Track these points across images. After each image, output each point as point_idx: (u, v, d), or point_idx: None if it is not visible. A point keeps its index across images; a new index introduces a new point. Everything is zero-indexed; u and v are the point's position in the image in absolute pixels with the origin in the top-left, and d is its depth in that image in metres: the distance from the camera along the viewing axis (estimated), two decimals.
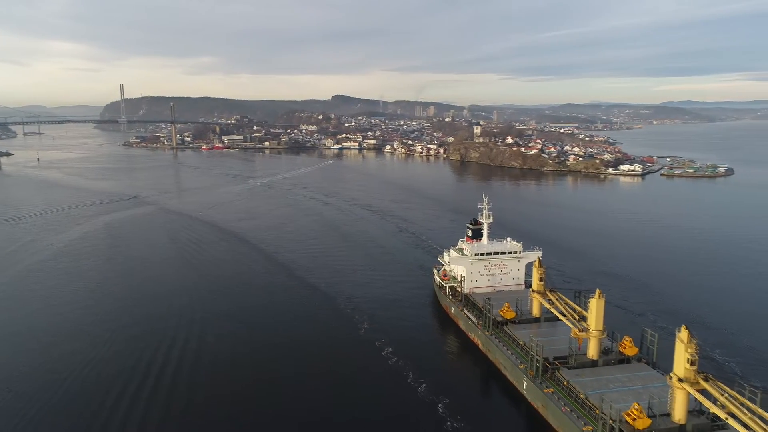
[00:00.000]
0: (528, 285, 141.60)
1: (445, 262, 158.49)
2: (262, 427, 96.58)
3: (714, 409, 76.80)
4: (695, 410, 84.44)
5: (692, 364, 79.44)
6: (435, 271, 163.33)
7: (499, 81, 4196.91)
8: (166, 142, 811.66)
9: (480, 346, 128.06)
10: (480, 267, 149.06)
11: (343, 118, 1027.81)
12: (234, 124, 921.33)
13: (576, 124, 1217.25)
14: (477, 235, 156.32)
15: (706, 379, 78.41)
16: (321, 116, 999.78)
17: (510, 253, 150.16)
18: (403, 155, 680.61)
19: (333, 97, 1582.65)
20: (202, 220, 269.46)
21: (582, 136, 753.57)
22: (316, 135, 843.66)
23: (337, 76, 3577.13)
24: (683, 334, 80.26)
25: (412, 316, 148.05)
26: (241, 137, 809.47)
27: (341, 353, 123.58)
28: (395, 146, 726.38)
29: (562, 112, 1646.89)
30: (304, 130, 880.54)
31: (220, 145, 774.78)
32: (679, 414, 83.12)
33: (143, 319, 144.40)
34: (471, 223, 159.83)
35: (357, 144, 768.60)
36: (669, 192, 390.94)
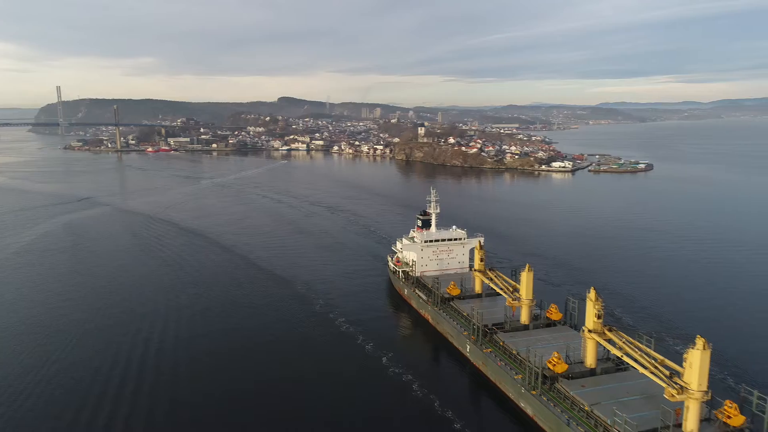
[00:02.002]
0: (471, 267, 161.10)
1: (398, 249, 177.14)
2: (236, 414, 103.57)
3: (616, 352, 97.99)
4: (603, 357, 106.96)
5: (599, 318, 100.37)
6: (389, 258, 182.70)
7: (443, 83, 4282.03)
8: (110, 145, 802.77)
9: (430, 320, 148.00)
10: (429, 252, 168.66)
11: (291, 119, 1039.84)
12: (180, 127, 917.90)
13: (517, 125, 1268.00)
14: (426, 224, 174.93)
15: (610, 330, 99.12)
16: (268, 118, 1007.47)
17: (455, 239, 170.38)
18: (351, 156, 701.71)
19: (279, 98, 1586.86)
20: (161, 219, 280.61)
21: (520, 136, 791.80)
22: (263, 137, 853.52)
23: (283, 78, 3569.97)
24: (592, 294, 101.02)
25: (369, 299, 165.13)
26: (188, 139, 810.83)
27: (307, 335, 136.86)
28: (343, 147, 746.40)
29: (504, 113, 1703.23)
30: (251, 132, 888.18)
31: (167, 148, 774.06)
32: (590, 359, 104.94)
33: (109, 313, 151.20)
34: (421, 214, 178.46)
35: (305, 145, 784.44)
36: (594, 186, 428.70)
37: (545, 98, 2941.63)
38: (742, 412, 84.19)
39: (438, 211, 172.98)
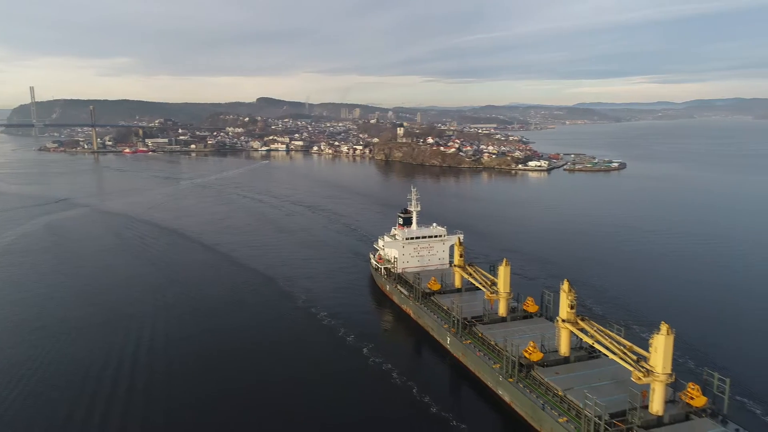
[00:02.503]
0: (451, 263, 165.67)
1: (380, 247, 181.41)
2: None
3: (588, 340, 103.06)
4: (576, 346, 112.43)
5: (572, 308, 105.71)
6: (371, 256, 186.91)
7: (423, 83, 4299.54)
8: (86, 146, 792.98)
9: (412, 314, 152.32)
10: (410, 249, 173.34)
11: (270, 120, 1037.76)
12: (158, 127, 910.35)
13: (495, 125, 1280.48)
14: (407, 222, 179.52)
15: (582, 320, 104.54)
16: (247, 119, 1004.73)
17: (436, 236, 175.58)
18: (330, 156, 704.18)
19: (258, 99, 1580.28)
20: (143, 219, 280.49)
21: (498, 136, 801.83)
22: (242, 137, 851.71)
23: (261, 78, 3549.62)
24: (565, 285, 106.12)
25: (352, 295, 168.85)
26: (166, 140, 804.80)
27: (292, 331, 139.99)
28: (322, 147, 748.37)
29: (482, 114, 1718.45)
30: (230, 133, 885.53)
31: (145, 149, 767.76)
32: (564, 348, 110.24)
33: (95, 312, 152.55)
34: (402, 213, 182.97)
35: (284, 146, 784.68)
36: (569, 184, 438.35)
37: (523, 98, 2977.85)
38: (704, 394, 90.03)
39: (419, 209, 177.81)
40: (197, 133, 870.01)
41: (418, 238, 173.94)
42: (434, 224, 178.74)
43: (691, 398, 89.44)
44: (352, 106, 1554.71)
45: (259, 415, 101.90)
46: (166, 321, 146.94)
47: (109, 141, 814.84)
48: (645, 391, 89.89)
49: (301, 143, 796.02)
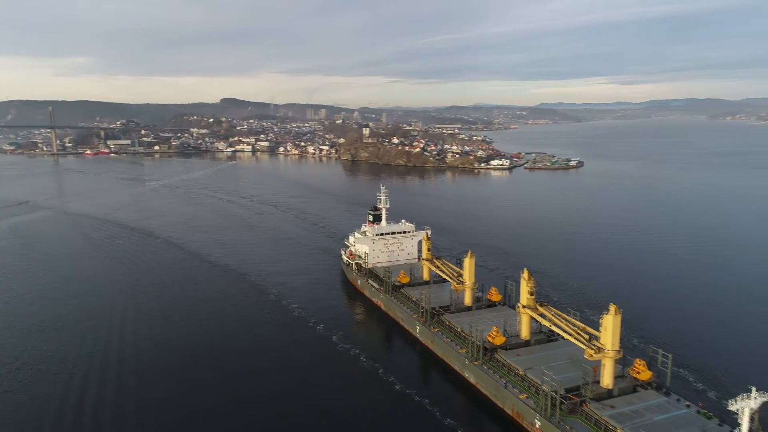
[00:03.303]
0: (419, 257, 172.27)
1: (350, 243, 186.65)
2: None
3: (545, 323, 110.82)
4: (536, 330, 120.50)
5: (531, 294, 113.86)
6: (342, 252, 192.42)
7: (388, 84, 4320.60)
8: (45, 149, 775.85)
9: (382, 306, 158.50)
10: (380, 245, 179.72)
11: (235, 121, 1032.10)
12: (120, 129, 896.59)
13: (459, 125, 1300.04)
14: (377, 219, 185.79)
15: (541, 305, 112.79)
16: (212, 120, 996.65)
17: (404, 232, 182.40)
18: (297, 157, 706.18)
19: (222, 100, 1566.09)
20: (111, 221, 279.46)
21: (462, 136, 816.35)
22: (207, 138, 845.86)
23: (225, 79, 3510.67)
24: (525, 274, 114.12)
25: (324, 291, 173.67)
26: (129, 142, 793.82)
27: (268, 325, 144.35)
28: (288, 148, 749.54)
29: (447, 114, 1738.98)
30: (195, 134, 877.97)
31: (107, 150, 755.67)
32: (524, 332, 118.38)
33: (65, 314, 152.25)
34: (372, 210, 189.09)
35: (250, 147, 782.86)
36: (529, 182, 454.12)
37: (487, 99, 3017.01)
38: (649, 368, 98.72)
39: (388, 206, 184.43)
40: (161, 134, 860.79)
41: (387, 234, 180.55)
42: (403, 221, 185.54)
43: (638, 372, 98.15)
44: (317, 107, 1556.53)
45: (232, 400, 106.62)
46: (137, 319, 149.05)
47: (69, 143, 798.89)
48: (596, 366, 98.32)
49: (266, 144, 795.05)
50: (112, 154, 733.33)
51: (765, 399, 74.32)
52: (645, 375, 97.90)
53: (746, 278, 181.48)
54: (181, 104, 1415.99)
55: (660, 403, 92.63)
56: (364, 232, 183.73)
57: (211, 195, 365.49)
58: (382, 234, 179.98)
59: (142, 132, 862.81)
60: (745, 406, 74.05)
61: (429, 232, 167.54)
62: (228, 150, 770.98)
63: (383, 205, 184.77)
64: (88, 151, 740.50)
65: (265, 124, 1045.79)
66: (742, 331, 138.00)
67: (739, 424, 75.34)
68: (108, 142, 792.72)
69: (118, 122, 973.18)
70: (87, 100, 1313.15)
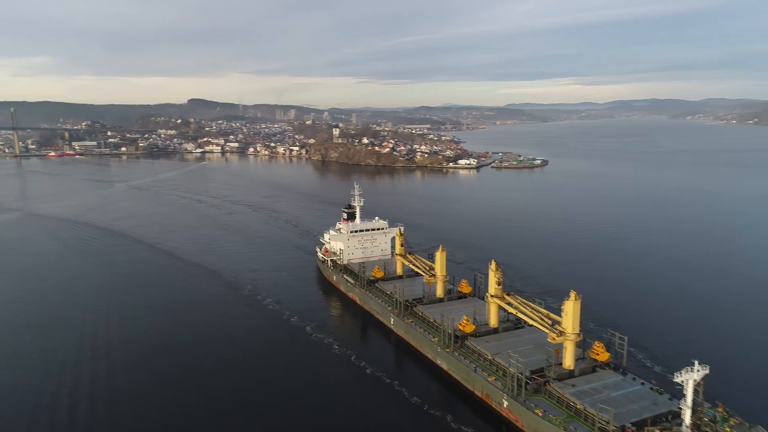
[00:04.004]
0: (393, 253, 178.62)
1: (325, 240, 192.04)
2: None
3: (512, 311, 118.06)
4: (504, 319, 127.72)
5: (499, 284, 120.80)
6: (317, 249, 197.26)
7: (357, 84, 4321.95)
8: (7, 150, 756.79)
9: (358, 300, 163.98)
10: (355, 242, 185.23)
11: (203, 122, 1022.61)
12: (85, 130, 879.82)
13: (428, 126, 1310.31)
14: (351, 216, 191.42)
15: (508, 294, 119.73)
16: (179, 120, 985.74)
17: (378, 229, 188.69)
18: (267, 157, 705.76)
19: (189, 100, 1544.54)
20: (82, 222, 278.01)
21: (431, 136, 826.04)
22: (175, 139, 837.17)
23: (192, 79, 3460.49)
24: (493, 265, 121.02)
25: (300, 287, 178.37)
26: (95, 143, 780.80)
27: (246, 321, 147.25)
28: (258, 149, 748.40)
29: (417, 114, 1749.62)
30: (162, 135, 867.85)
31: (72, 152, 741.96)
32: (493, 320, 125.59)
33: (38, 316, 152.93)
34: (346, 208, 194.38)
35: (219, 148, 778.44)
36: (495, 180, 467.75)
37: (456, 99, 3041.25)
38: (607, 350, 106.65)
39: (362, 204, 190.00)
40: (127, 135, 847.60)
41: (361, 231, 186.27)
42: (377, 218, 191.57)
43: (597, 354, 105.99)
44: (287, 107, 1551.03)
45: (199, 386, 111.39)
46: (114, 318, 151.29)
47: (32, 144, 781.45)
48: (558, 349, 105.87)
49: (236, 145, 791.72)
50: (78, 156, 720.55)
51: (706, 371, 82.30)
52: (603, 356, 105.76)
53: (690, 265, 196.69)
54: (148, 105, 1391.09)
55: (617, 381, 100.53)
56: (339, 229, 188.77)
57: (183, 196, 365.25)
58: (356, 231, 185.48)
59: (108, 133, 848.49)
60: (689, 378, 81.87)
61: (402, 228, 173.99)
62: (197, 151, 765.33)
63: (357, 203, 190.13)
64: (53, 153, 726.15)
65: (234, 124, 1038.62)
66: (688, 312, 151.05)
67: (684, 395, 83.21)
68: (73, 143, 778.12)
69: (83, 123, 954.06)
70: (49, 101, 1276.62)
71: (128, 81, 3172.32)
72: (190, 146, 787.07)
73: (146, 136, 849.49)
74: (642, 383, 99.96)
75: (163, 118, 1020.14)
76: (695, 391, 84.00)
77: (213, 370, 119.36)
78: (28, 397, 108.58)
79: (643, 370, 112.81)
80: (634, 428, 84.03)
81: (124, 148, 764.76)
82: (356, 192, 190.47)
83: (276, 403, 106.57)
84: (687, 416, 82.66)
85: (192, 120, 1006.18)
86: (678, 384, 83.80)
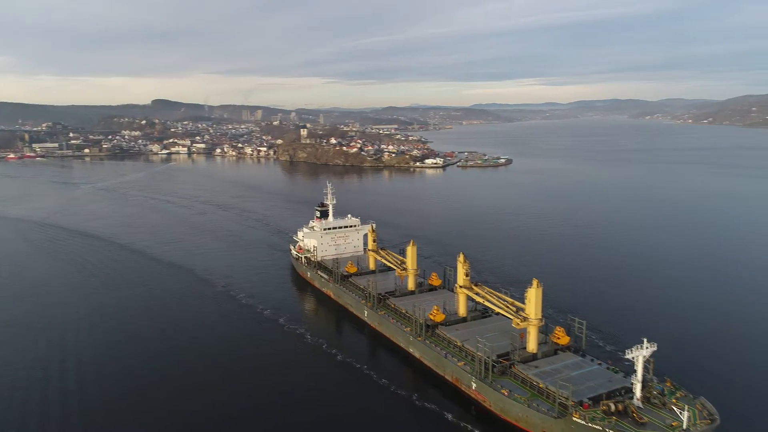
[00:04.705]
0: (365, 249, 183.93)
1: (299, 238, 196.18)
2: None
3: (480, 300, 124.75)
4: (472, 309, 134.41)
5: (467, 275, 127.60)
6: (291, 247, 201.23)
7: (324, 85, 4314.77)
8: None
9: (332, 295, 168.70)
10: (328, 239, 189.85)
11: (168, 123, 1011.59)
12: (46, 131, 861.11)
13: (396, 126, 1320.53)
14: (324, 214, 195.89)
15: (476, 285, 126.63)
16: (144, 121, 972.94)
17: (351, 226, 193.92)
18: (234, 158, 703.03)
19: (153, 101, 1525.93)
20: (49, 224, 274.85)
21: (398, 136, 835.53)
22: (140, 141, 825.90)
23: (155, 79, 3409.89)
24: (461, 257, 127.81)
25: (275, 283, 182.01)
26: (57, 145, 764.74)
27: (224, 319, 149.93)
28: (226, 150, 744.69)
29: (384, 115, 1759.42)
30: (126, 136, 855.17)
31: (32, 154, 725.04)
32: (462, 310, 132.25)
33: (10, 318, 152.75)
34: (319, 206, 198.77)
35: (186, 149, 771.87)
36: (461, 179, 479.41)
37: (423, 100, 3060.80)
38: (568, 334, 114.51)
39: (334, 202, 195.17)
40: (90, 136, 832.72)
41: (334, 228, 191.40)
42: (349, 215, 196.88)
43: (558, 338, 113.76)
44: (254, 108, 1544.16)
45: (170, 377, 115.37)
46: (87, 318, 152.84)
47: None
48: (522, 334, 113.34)
49: (203, 146, 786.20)
50: (39, 158, 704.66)
51: (654, 348, 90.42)
52: (564, 340, 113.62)
53: (640, 254, 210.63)
54: (110, 106, 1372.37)
55: (576, 362, 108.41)
56: (312, 227, 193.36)
57: (151, 197, 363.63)
58: (329, 228, 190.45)
59: (70, 135, 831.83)
60: (638, 355, 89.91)
61: (374, 225, 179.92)
62: (163, 152, 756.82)
63: (330, 201, 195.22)
64: (12, 155, 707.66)
65: (200, 125, 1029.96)
66: (640, 297, 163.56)
67: (635, 371, 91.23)
68: (33, 145, 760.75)
69: (44, 125, 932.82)
70: (6, 102, 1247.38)
71: (89, 81, 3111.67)
72: (155, 147, 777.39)
73: (110, 137, 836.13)
74: (599, 364, 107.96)
75: (126, 119, 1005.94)
76: (645, 368, 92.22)
77: (178, 361, 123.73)
78: None
79: (600, 351, 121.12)
80: (590, 402, 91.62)
81: (87, 150, 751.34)
82: (329, 190, 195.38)
83: (257, 394, 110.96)
84: (638, 390, 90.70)
85: (157, 121, 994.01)
86: (629, 360, 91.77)
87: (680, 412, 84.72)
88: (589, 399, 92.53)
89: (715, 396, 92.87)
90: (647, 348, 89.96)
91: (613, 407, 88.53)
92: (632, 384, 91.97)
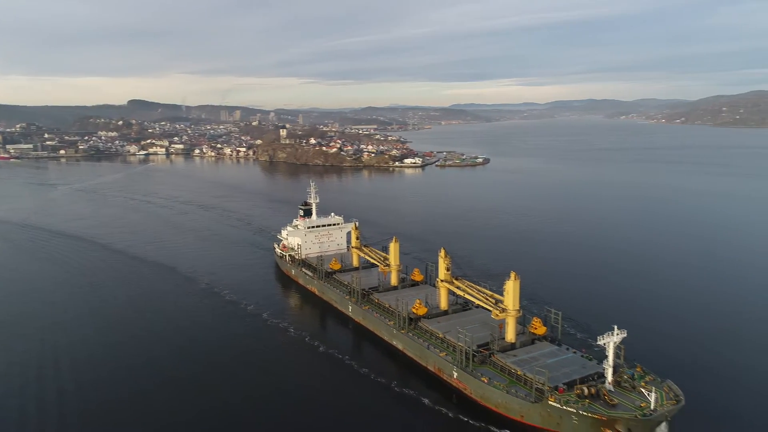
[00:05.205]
0: (349, 246, 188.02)
1: (283, 237, 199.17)
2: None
3: (460, 293, 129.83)
4: (453, 302, 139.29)
5: (448, 270, 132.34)
6: (275, 246, 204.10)
7: (303, 85, 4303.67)
8: None
9: (316, 292, 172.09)
10: (312, 237, 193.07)
11: (146, 123, 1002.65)
12: (20, 132, 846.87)
13: (375, 126, 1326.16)
14: (308, 213, 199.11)
15: (457, 279, 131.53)
16: (121, 122, 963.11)
17: (334, 224, 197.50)
18: (213, 158, 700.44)
19: (129, 101, 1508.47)
20: (29, 225, 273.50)
21: (378, 136, 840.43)
22: (117, 141, 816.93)
23: (131, 79, 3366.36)
24: (442, 252, 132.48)
25: (261, 281, 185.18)
26: (31, 146, 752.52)
27: (210, 318, 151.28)
28: (204, 150, 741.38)
29: (363, 115, 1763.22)
30: (103, 137, 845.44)
31: (6, 156, 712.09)
32: (443, 303, 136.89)
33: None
34: (302, 205, 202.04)
35: (164, 149, 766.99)
36: (440, 178, 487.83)
37: (403, 100, 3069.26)
38: (544, 325, 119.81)
39: (318, 200, 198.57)
40: (66, 137, 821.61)
41: (318, 227, 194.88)
42: (332, 214, 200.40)
43: (535, 328, 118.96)
44: (232, 108, 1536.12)
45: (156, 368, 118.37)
46: (71, 318, 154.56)
47: None
48: (501, 324, 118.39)
49: (181, 146, 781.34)
50: (13, 159, 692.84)
51: (624, 335, 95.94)
52: (540, 330, 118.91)
53: (613, 248, 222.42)
54: (85, 106, 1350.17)
55: (552, 351, 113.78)
56: (296, 225, 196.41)
57: (131, 197, 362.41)
58: (313, 227, 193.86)
59: (46, 136, 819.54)
60: (609, 341, 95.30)
61: (357, 223, 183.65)
62: (140, 153, 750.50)
63: (313, 200, 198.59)
64: None
65: (178, 126, 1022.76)
66: (611, 287, 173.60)
67: (606, 356, 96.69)
68: (7, 146, 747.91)
69: (17, 126, 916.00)
70: None
71: (62, 81, 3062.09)
72: (133, 148, 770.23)
73: (86, 138, 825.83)
74: (574, 352, 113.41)
75: (102, 120, 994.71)
76: (617, 355, 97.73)
77: (170, 360, 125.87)
78: None
79: (574, 340, 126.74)
80: (565, 387, 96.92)
81: (63, 151, 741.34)
82: (312, 189, 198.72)
83: (244, 388, 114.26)
84: (609, 374, 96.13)
85: (134, 121, 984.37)
86: (602, 347, 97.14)
87: (648, 394, 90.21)
88: (564, 384, 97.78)
89: (681, 378, 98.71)
90: (617, 334, 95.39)
91: (586, 391, 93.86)
92: (604, 369, 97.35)
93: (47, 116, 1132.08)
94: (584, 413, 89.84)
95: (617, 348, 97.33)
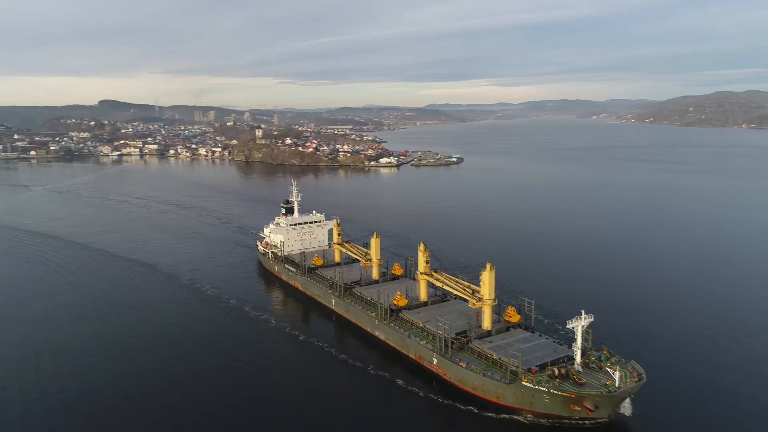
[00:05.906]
0: (330, 243, 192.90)
1: (266, 234, 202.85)
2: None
3: (438, 285, 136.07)
4: (433, 294, 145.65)
5: (427, 263, 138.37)
6: (258, 243, 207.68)
7: (278, 85, 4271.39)
8: None
9: (300, 287, 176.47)
10: (294, 234, 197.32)
11: (118, 124, 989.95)
12: None
13: (351, 126, 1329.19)
14: (290, 211, 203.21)
15: (435, 271, 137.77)
16: (93, 122, 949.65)
17: (316, 222, 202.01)
18: (188, 159, 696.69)
19: (101, 102, 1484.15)
20: (5, 225, 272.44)
21: (353, 136, 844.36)
22: (90, 142, 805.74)
23: (101, 79, 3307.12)
24: (421, 246, 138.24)
25: (244, 278, 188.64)
26: (0, 147, 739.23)
27: (196, 315, 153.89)
28: (179, 151, 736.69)
29: (339, 115, 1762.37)
30: (75, 138, 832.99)
31: None
32: (423, 295, 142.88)
33: None
34: (284, 203, 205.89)
35: (138, 150, 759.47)
36: (414, 177, 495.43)
37: (378, 100, 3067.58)
38: (518, 313, 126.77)
39: (299, 199, 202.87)
40: (36, 138, 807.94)
41: (300, 224, 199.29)
42: (314, 211, 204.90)
43: (510, 316, 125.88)
44: (206, 109, 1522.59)
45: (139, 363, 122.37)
46: (55, 318, 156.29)
47: None
48: (478, 313, 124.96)
49: (155, 147, 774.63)
50: None
51: (591, 319, 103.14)
52: (515, 318, 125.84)
53: (583, 236, 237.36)
54: (54, 106, 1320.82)
55: (526, 337, 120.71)
56: (279, 223, 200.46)
57: (107, 198, 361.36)
58: (295, 224, 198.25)
59: (15, 137, 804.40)
60: (577, 325, 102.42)
61: (338, 220, 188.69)
62: (114, 154, 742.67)
63: (295, 198, 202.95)
64: None
65: (151, 126, 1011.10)
66: (581, 275, 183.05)
67: (575, 340, 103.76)
68: None
69: None
70: None
71: (30, 81, 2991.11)
72: (106, 149, 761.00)
73: (57, 139, 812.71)
74: (546, 338, 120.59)
75: (74, 120, 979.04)
76: (585, 339, 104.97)
77: (154, 353, 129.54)
78: None
79: (547, 327, 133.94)
80: (537, 369, 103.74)
81: (33, 152, 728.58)
82: (294, 188, 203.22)
83: (232, 378, 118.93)
84: (578, 356, 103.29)
85: (106, 122, 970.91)
86: (571, 330, 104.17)
87: (613, 374, 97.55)
88: (537, 366, 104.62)
89: (644, 358, 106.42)
90: (585, 319, 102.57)
91: (557, 372, 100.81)
92: (573, 352, 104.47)
93: (16, 117, 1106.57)
94: (555, 392, 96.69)
95: (585, 332, 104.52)
